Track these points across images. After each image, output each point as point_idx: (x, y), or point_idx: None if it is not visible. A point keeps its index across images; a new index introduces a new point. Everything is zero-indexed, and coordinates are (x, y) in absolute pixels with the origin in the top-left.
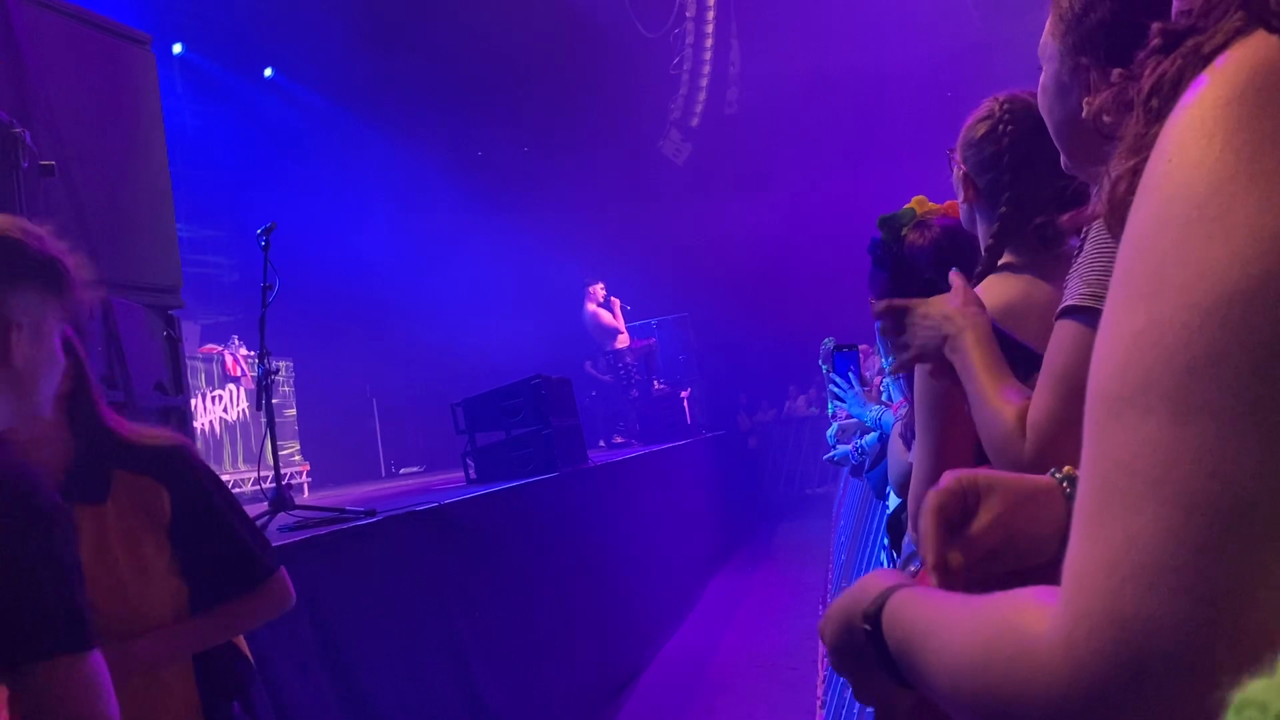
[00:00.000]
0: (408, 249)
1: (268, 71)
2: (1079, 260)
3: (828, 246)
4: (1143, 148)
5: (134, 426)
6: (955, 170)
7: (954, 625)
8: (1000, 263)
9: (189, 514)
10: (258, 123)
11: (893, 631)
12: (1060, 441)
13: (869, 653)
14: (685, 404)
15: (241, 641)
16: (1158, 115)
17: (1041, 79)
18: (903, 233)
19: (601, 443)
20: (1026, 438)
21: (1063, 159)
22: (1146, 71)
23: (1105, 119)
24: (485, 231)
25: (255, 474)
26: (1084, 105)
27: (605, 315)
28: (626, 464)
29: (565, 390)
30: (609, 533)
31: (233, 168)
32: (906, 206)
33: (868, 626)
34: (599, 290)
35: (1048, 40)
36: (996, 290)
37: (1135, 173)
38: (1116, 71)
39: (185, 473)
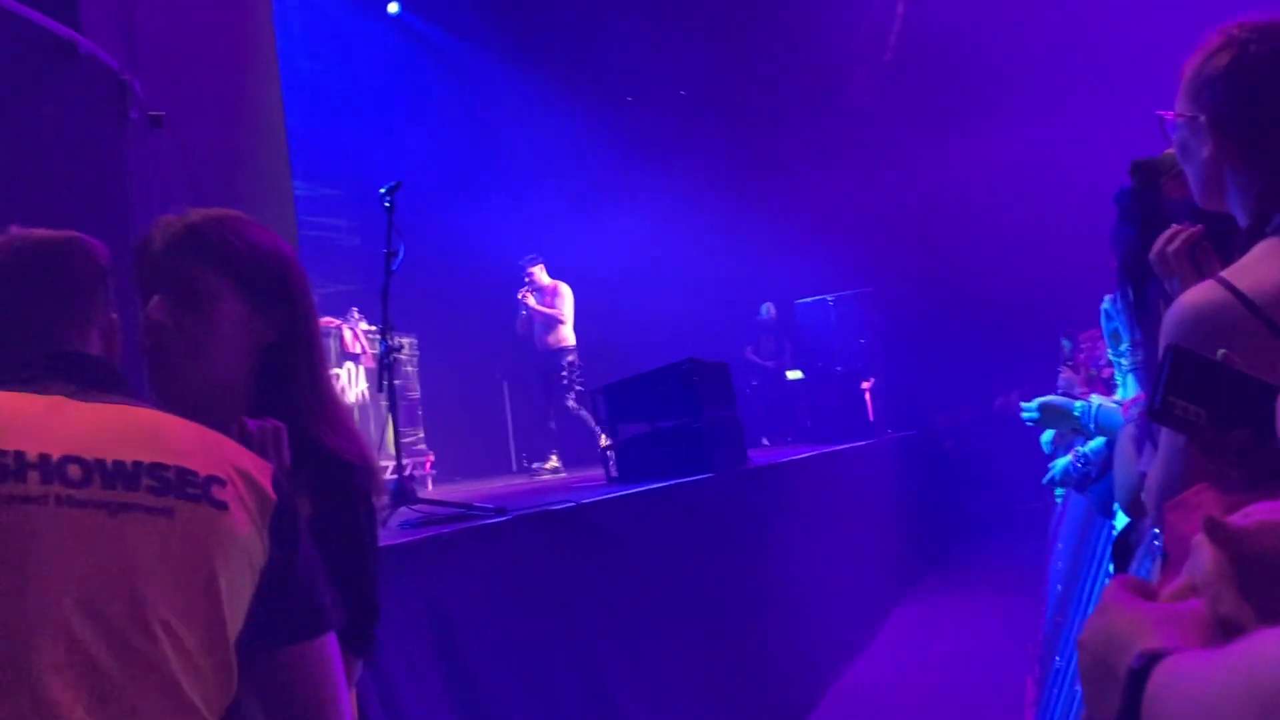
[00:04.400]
0: (546, 213)
1: (393, 7)
2: None
3: (1050, 205)
4: None
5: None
6: (1178, 132)
7: (1226, 681)
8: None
9: None
10: (382, 67)
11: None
12: None
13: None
14: (867, 397)
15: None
16: None
17: None
18: (1160, 181)
19: (764, 440)
20: None
21: None
22: None
23: None
24: (636, 192)
25: None
26: None
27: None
28: (795, 466)
29: (722, 377)
30: (772, 546)
31: (354, 119)
32: (1169, 151)
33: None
34: (540, 273)
35: None
36: (1271, 266)
37: None
38: None
39: None
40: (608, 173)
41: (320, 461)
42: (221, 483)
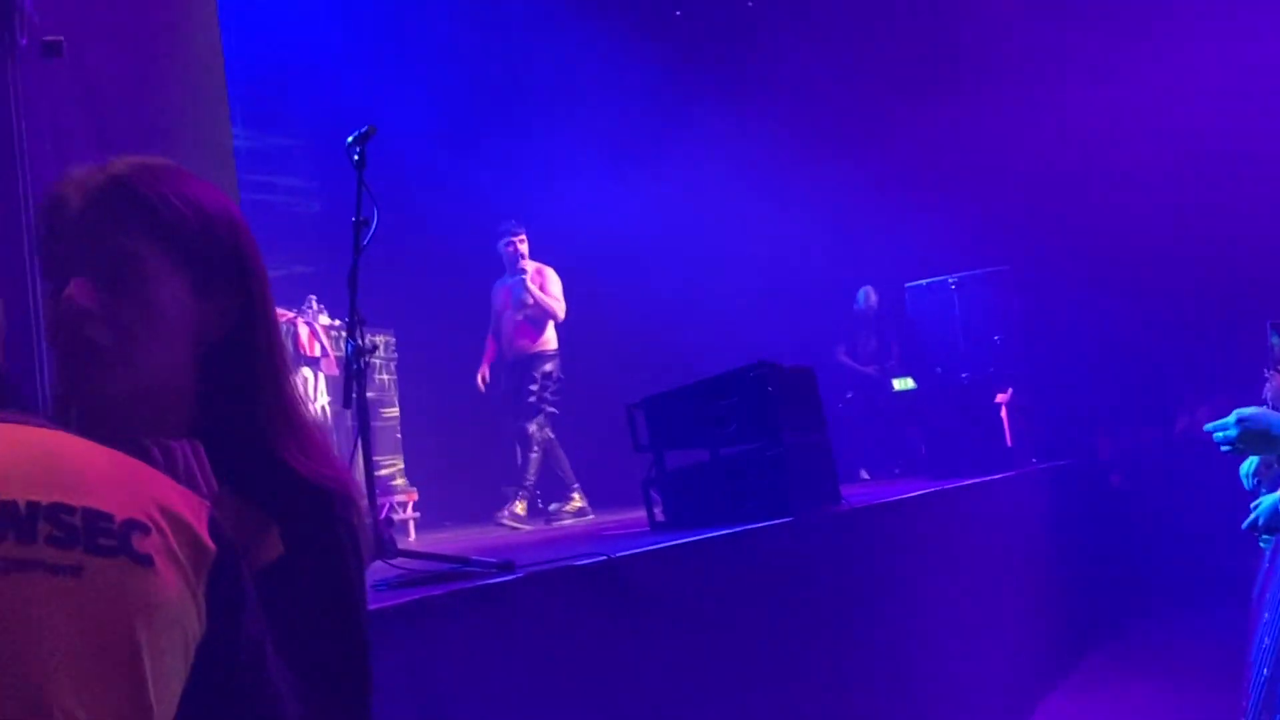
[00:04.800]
0: (561, 170)
1: None
2: None
3: (1251, 156)
4: None
5: None
6: None
7: None
8: None
9: None
10: None
11: None
12: None
13: None
14: (1003, 414)
15: None
16: None
17: None
18: None
19: (864, 473)
20: None
21: None
22: None
23: None
24: (682, 140)
25: None
26: None
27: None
28: (904, 507)
29: (806, 386)
30: (873, 615)
31: (313, 49)
32: None
33: None
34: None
35: None
36: None
37: None
38: None
39: None
40: (651, 114)
41: (291, 490)
42: (144, 529)
